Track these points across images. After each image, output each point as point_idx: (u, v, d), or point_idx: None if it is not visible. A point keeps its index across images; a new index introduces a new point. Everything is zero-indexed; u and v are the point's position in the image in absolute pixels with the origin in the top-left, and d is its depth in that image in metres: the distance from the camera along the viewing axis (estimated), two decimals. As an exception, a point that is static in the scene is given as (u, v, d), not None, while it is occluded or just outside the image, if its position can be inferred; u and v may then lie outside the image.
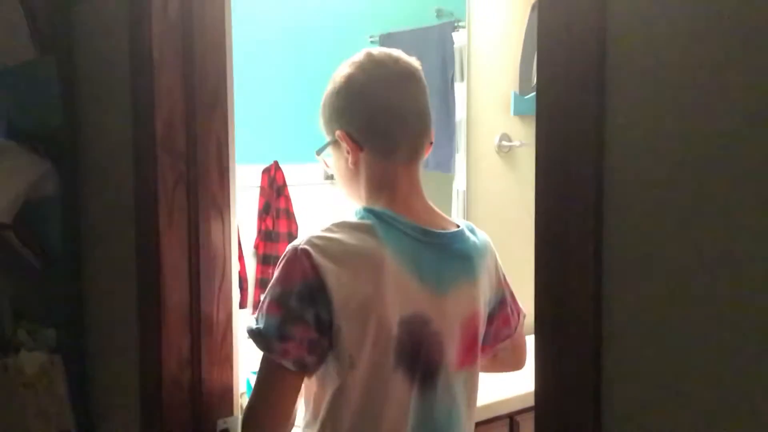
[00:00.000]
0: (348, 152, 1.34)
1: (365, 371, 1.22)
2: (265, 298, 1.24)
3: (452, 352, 1.31)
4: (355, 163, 1.34)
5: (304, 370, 1.23)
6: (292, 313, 1.20)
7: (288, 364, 1.21)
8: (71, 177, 1.66)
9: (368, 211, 1.29)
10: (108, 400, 1.65)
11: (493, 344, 1.42)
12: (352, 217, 1.30)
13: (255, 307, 2.48)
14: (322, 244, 1.21)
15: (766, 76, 0.69)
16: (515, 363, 1.55)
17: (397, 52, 1.36)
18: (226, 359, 1.45)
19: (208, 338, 1.42)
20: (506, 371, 1.58)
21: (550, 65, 0.86)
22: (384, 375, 1.24)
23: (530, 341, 0.95)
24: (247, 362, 2.00)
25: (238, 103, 1.46)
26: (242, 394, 1.81)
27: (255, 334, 1.23)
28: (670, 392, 0.78)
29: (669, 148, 0.76)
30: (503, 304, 1.43)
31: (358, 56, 1.35)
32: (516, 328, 1.46)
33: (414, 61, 1.36)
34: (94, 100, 1.61)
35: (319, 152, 1.42)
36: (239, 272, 2.21)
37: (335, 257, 1.21)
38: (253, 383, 2.04)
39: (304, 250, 1.21)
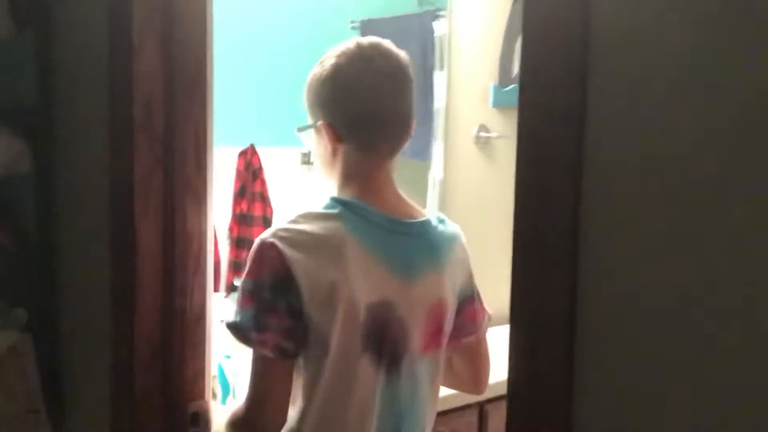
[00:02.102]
0: (327, 141, 1.35)
1: (334, 356, 1.25)
2: (239, 292, 1.27)
3: (417, 337, 1.33)
4: (333, 153, 1.36)
5: (285, 356, 1.25)
6: (265, 304, 1.23)
7: (268, 352, 1.23)
8: (46, 156, 1.64)
9: (336, 201, 1.31)
10: (79, 382, 1.65)
11: (457, 336, 1.44)
12: (319, 207, 1.31)
13: (227, 290, 2.48)
14: (288, 236, 1.24)
15: (754, 71, 0.71)
16: (474, 379, 1.54)
17: (387, 45, 1.35)
18: (198, 344, 1.45)
19: (181, 323, 1.42)
20: (465, 390, 1.57)
21: (533, 58, 0.87)
22: (352, 359, 1.27)
23: (503, 331, 0.97)
24: (219, 347, 2.00)
25: (216, 85, 1.45)
26: (213, 377, 1.82)
27: (232, 327, 1.26)
28: (641, 388, 0.80)
29: (650, 141, 0.78)
30: (470, 300, 1.45)
31: (348, 46, 1.34)
32: (480, 326, 1.48)
33: (403, 56, 1.36)
34: (71, 79, 1.59)
35: (300, 130, 1.42)
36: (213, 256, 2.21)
37: (301, 247, 1.23)
38: (225, 369, 2.05)
39: (272, 243, 1.23)
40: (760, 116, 0.70)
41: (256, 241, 1.26)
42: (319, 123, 1.35)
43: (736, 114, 0.72)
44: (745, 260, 0.72)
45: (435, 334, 1.38)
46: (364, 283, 1.25)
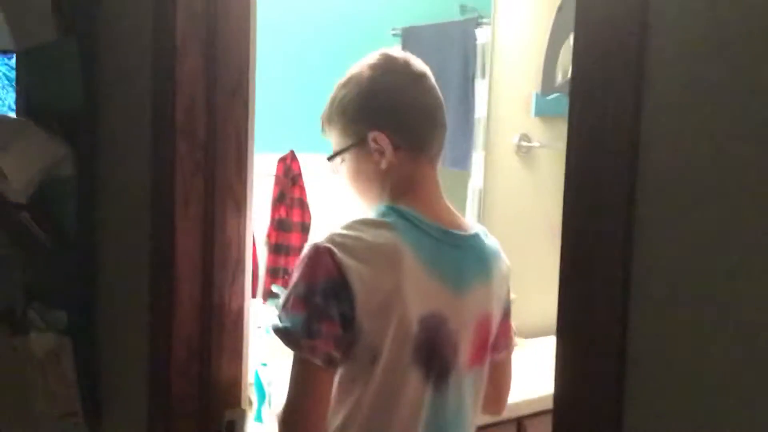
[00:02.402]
0: (381, 153, 1.33)
1: (383, 367, 1.24)
2: (288, 297, 1.24)
3: (465, 351, 1.33)
4: (387, 166, 1.33)
5: (332, 365, 1.23)
6: (317, 310, 1.20)
7: (317, 360, 1.21)
8: (88, 159, 1.65)
9: (391, 209, 1.30)
10: (116, 386, 1.65)
11: (492, 351, 1.42)
12: (373, 215, 1.30)
13: (265, 296, 2.48)
14: (344, 242, 1.22)
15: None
16: (497, 398, 1.51)
17: (405, 54, 1.38)
18: (236, 351, 1.44)
19: (219, 329, 1.41)
20: (483, 410, 1.50)
21: (585, 66, 0.84)
22: (400, 371, 1.25)
23: (543, 344, 0.93)
24: (256, 354, 1.99)
25: (257, 90, 1.44)
26: (250, 385, 1.81)
27: (282, 333, 1.23)
28: (692, 411, 0.77)
29: (708, 154, 0.74)
30: (507, 316, 1.45)
31: (373, 59, 1.36)
32: (511, 343, 1.48)
33: (423, 63, 1.39)
34: (114, 83, 1.60)
35: (333, 157, 1.40)
36: (251, 261, 2.20)
37: (357, 255, 1.21)
38: (261, 376, 2.04)
39: (327, 248, 1.21)
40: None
41: (310, 246, 1.24)
42: (373, 134, 1.32)
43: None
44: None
45: (481, 348, 1.37)
46: (416, 295, 1.24)
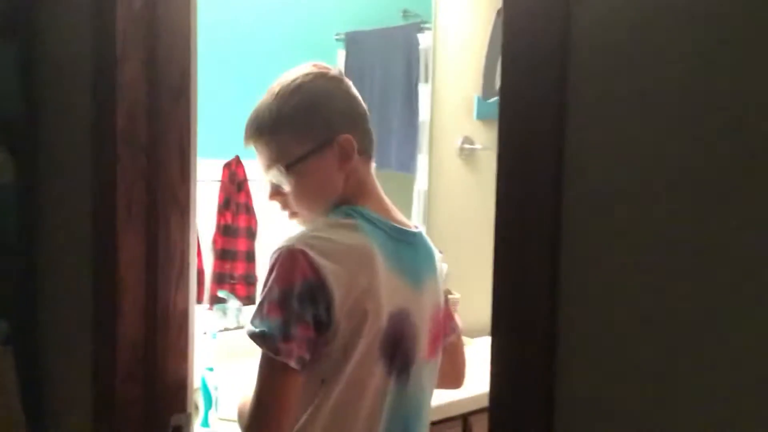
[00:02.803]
0: (346, 157, 1.33)
1: (354, 362, 1.26)
2: (262, 301, 1.23)
3: (424, 343, 1.38)
4: (345, 171, 1.34)
5: (303, 366, 1.24)
6: (293, 314, 1.21)
7: (293, 363, 1.21)
8: (28, 166, 1.62)
9: (353, 210, 1.32)
10: (60, 395, 1.63)
11: (443, 339, 1.48)
12: (337, 218, 1.31)
13: (211, 301, 2.47)
14: (318, 244, 1.23)
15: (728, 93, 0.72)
16: (456, 373, 1.57)
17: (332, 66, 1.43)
18: (181, 355, 1.44)
19: (164, 334, 1.41)
20: (445, 386, 1.58)
21: (513, 72, 0.88)
22: (368, 366, 1.28)
23: (485, 343, 0.97)
24: (202, 359, 1.99)
25: (200, 96, 1.45)
26: (196, 390, 1.80)
27: (258, 337, 1.22)
28: (621, 399, 0.81)
29: (630, 153, 0.79)
30: (446, 302, 1.49)
31: (310, 68, 1.37)
32: (457, 324, 1.54)
33: None
34: (54, 88, 1.58)
35: (293, 164, 1.34)
36: (196, 266, 2.20)
37: (332, 256, 1.23)
38: (208, 381, 2.03)
39: (301, 250, 1.21)
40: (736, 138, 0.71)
41: (282, 249, 1.22)
42: (343, 137, 1.32)
43: (711, 129, 0.73)
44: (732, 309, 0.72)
45: (436, 339, 1.43)
46: (386, 292, 1.28)
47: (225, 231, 2.51)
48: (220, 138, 2.38)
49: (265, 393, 1.25)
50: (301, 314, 1.21)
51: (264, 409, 1.24)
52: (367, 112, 1.40)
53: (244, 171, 2.51)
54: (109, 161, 1.37)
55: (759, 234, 0.70)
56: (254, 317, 1.25)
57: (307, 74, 1.36)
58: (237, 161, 2.50)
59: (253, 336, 1.23)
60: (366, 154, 1.38)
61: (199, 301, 2.30)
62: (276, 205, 1.43)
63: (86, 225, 1.45)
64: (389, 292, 1.29)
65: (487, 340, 0.97)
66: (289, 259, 1.21)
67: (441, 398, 2.14)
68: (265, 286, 1.24)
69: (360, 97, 1.40)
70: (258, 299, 1.25)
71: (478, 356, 2.30)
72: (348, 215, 1.31)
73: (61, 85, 1.56)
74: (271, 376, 1.24)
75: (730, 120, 0.72)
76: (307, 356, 1.23)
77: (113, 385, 1.38)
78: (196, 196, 1.45)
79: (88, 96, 1.42)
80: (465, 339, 2.66)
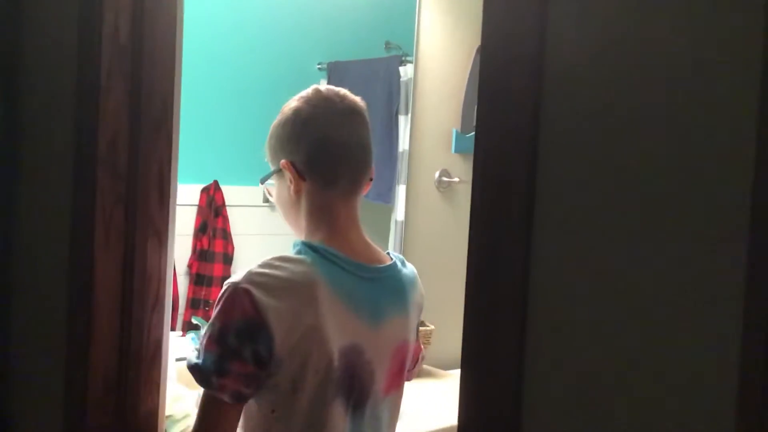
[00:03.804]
0: (291, 181, 1.37)
1: (307, 399, 1.27)
2: (205, 333, 1.27)
3: (381, 380, 1.37)
4: (297, 193, 1.38)
5: (242, 401, 1.27)
6: (229, 350, 1.23)
7: (225, 397, 1.24)
8: (8, 188, 1.62)
9: (306, 246, 1.33)
10: (30, 420, 1.61)
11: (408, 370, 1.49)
12: (290, 252, 1.33)
13: (184, 328, 2.46)
14: (262, 281, 1.24)
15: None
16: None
17: (344, 91, 1.41)
18: (153, 384, 1.43)
19: (136, 362, 1.40)
20: None
21: (488, 112, 0.91)
22: (324, 403, 1.28)
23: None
24: (173, 386, 1.97)
25: (181, 121, 1.46)
26: (168, 417, 1.79)
27: (194, 369, 1.26)
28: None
29: (601, 190, 0.81)
30: (417, 338, 1.49)
31: (307, 91, 1.40)
32: (420, 361, 1.54)
33: (360, 101, 1.41)
34: (37, 116, 1.59)
35: (263, 180, 1.46)
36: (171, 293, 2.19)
37: (275, 293, 1.24)
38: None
39: (245, 289, 1.23)
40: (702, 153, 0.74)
41: (229, 285, 1.26)
42: (282, 162, 1.37)
43: (685, 150, 0.75)
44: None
45: (398, 375, 1.42)
46: (335, 327, 1.27)
47: (201, 256, 2.51)
48: (199, 163, 2.40)
49: (199, 422, 1.28)
50: (239, 350, 1.22)
51: None
52: (343, 143, 1.36)
53: (222, 196, 2.51)
54: (88, 187, 1.37)
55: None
56: (198, 348, 1.27)
57: (293, 99, 1.40)
58: (215, 186, 2.50)
59: (190, 368, 1.27)
60: (320, 182, 1.36)
61: (173, 327, 2.29)
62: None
63: (63, 250, 1.45)
64: (339, 328, 1.28)
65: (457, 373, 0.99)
66: (232, 296, 1.24)
67: (413, 429, 2.14)
68: (211, 319, 1.27)
69: (346, 124, 1.37)
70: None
71: (451, 389, 2.30)
72: (300, 251, 1.32)
73: (44, 113, 1.57)
74: (205, 406, 1.27)
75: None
76: (246, 390, 1.25)
77: (84, 411, 1.37)
78: (174, 223, 1.46)
79: (70, 123, 1.43)
80: (438, 371, 2.68)
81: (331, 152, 1.36)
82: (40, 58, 1.58)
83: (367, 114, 1.41)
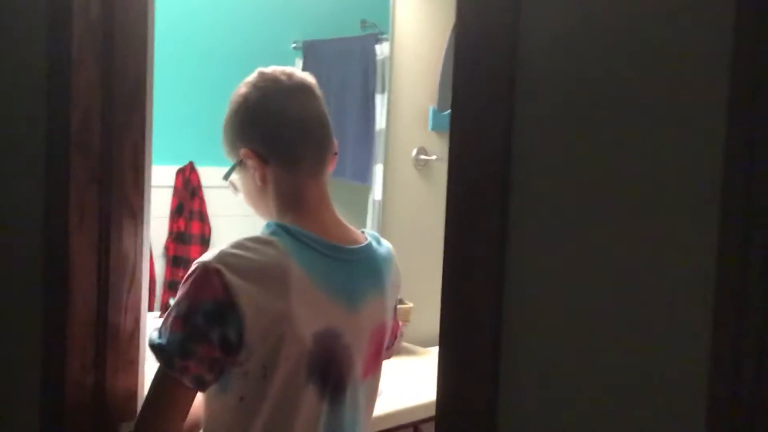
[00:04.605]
0: (255, 169, 1.34)
1: (278, 384, 1.23)
2: (170, 312, 1.22)
3: (360, 363, 1.34)
4: (263, 179, 1.34)
5: (201, 386, 1.23)
6: (196, 331, 1.19)
7: (186, 381, 1.20)
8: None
9: (278, 227, 1.29)
10: (8, 400, 1.60)
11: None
12: (262, 233, 1.29)
13: (162, 309, 2.45)
14: (233, 262, 1.20)
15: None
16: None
17: (290, 68, 1.38)
18: (131, 363, 1.43)
19: (114, 342, 1.40)
20: None
21: (464, 89, 0.91)
22: (296, 388, 1.25)
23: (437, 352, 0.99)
24: (152, 366, 1.97)
25: (155, 102, 1.45)
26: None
27: (156, 349, 1.21)
28: (564, 408, 0.83)
29: (575, 165, 0.82)
30: (395, 316, 1.47)
31: (252, 76, 1.37)
32: (398, 339, 1.54)
33: (308, 76, 1.38)
34: (7, 93, 1.56)
35: (226, 177, 1.40)
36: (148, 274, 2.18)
37: (246, 275, 1.19)
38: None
39: (216, 269, 1.19)
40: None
41: (199, 264, 1.21)
42: (242, 152, 1.34)
43: (659, 129, 0.76)
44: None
45: (376, 357, 1.39)
46: (308, 312, 1.24)
47: (178, 238, 2.49)
48: (174, 144, 2.37)
49: (151, 402, 1.24)
50: (206, 333, 1.18)
51: (147, 420, 1.24)
52: (300, 119, 1.33)
53: (198, 177, 2.49)
54: (61, 167, 1.36)
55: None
56: (160, 327, 1.23)
57: (239, 86, 1.37)
58: (191, 167, 2.49)
59: (152, 347, 1.22)
60: (286, 163, 1.33)
61: (150, 308, 2.28)
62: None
63: (37, 231, 1.43)
64: (314, 312, 1.25)
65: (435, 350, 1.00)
66: (202, 275, 1.19)
67: (392, 406, 2.15)
68: (176, 298, 1.23)
69: (298, 101, 1.34)
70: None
71: (429, 365, 2.32)
72: (273, 232, 1.27)
73: (15, 89, 1.54)
74: (161, 389, 1.23)
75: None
76: (207, 376, 1.20)
77: (62, 392, 1.36)
78: (149, 203, 1.44)
79: (41, 100, 1.41)
80: (417, 348, 2.69)
81: (289, 127, 1.33)
82: (10, 32, 1.55)
83: (318, 89, 1.38)
